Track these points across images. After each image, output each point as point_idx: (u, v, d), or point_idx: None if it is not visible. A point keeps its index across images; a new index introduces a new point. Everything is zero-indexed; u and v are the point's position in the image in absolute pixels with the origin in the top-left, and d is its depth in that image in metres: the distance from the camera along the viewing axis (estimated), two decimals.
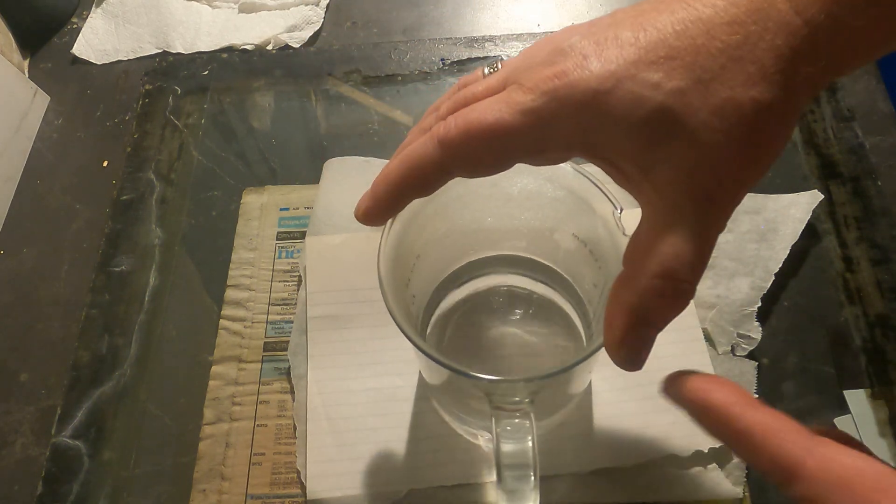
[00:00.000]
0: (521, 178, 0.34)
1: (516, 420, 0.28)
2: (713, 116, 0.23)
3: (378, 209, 0.29)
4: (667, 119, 0.23)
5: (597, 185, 0.31)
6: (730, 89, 0.22)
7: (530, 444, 0.28)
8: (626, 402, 0.40)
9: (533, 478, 0.28)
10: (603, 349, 0.26)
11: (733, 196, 0.24)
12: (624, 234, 0.30)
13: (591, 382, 0.40)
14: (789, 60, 0.22)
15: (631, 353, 0.25)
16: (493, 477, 0.38)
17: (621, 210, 0.30)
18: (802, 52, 0.22)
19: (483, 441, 0.39)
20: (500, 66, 0.28)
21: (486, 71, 0.28)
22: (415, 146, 0.27)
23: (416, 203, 0.30)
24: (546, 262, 0.40)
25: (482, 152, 0.26)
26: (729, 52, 0.22)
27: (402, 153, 0.28)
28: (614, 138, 0.24)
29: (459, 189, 0.33)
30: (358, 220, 0.30)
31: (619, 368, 0.26)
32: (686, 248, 0.24)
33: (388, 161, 0.29)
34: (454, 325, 0.41)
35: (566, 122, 0.25)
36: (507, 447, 0.28)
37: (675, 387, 0.25)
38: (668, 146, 0.23)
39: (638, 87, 0.23)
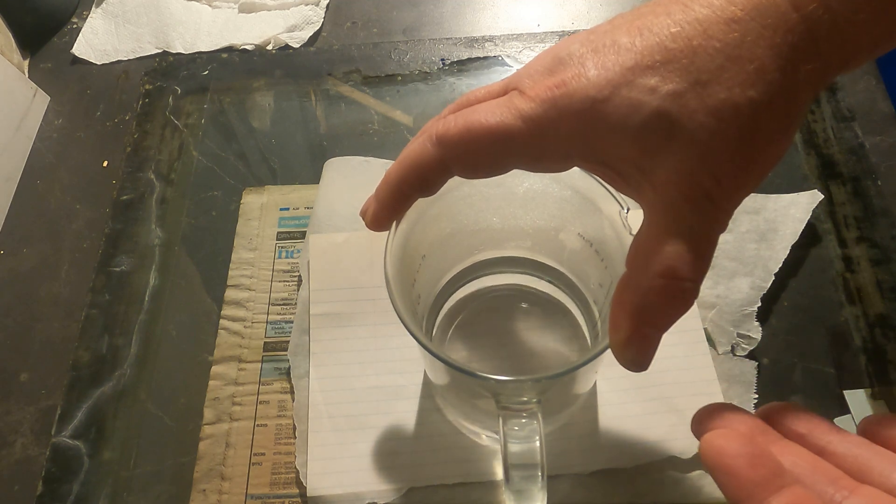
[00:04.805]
0: (527, 178, 0.34)
1: (523, 420, 0.28)
2: (710, 118, 0.23)
3: (383, 212, 0.30)
4: (664, 122, 0.23)
5: (603, 185, 0.30)
6: (727, 90, 0.22)
7: (538, 444, 0.28)
8: (629, 404, 0.40)
9: (541, 478, 0.28)
10: (609, 350, 0.26)
11: (733, 196, 0.24)
12: (630, 233, 0.29)
13: (595, 383, 0.40)
14: (788, 58, 0.22)
15: (636, 354, 0.26)
16: (494, 475, 0.38)
17: (628, 210, 0.30)
18: (801, 49, 0.22)
19: (487, 440, 0.39)
20: None
21: None
22: (414, 146, 0.28)
23: (421, 203, 0.30)
24: (551, 263, 0.40)
25: (480, 153, 0.26)
26: (727, 51, 0.22)
27: (402, 154, 0.28)
28: (614, 144, 0.24)
29: (465, 189, 0.33)
30: (367, 227, 0.30)
31: (623, 369, 0.26)
32: (687, 248, 0.24)
33: (388, 161, 0.29)
34: (459, 325, 0.41)
35: (565, 131, 0.25)
36: (514, 447, 0.28)
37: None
38: (667, 148, 0.23)
39: (635, 93, 0.23)
